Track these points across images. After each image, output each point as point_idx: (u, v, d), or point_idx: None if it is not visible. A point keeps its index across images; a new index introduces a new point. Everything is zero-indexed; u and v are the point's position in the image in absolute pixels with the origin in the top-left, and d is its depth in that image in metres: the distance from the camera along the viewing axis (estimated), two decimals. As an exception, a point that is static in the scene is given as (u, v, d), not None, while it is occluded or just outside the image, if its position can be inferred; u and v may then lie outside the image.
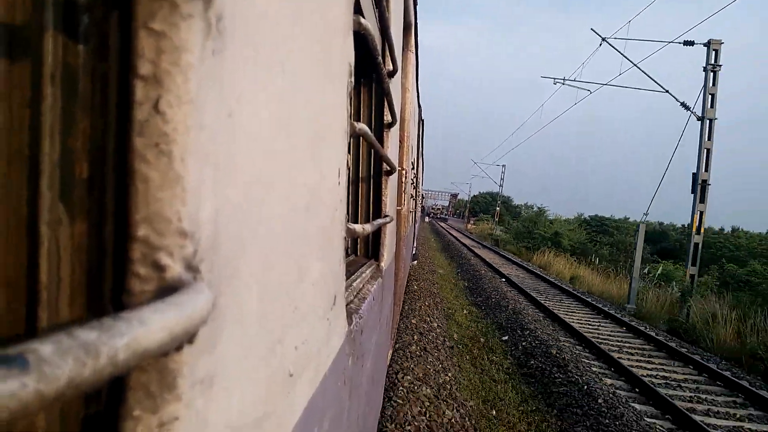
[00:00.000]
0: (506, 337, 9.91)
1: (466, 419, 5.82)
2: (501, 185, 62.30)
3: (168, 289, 0.42)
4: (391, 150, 2.70)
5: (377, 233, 2.54)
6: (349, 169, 1.38)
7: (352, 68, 1.23)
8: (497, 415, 6.28)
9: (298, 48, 0.78)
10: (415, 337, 8.29)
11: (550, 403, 6.83)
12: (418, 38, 4.91)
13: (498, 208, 63.49)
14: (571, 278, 21.95)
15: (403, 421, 5.10)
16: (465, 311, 12.05)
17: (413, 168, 7.64)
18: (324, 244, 1.03)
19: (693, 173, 14.29)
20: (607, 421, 6.04)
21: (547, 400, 6.95)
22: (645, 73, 15.24)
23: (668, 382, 8.15)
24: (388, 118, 2.51)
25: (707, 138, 14.04)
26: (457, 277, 18.16)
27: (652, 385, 7.49)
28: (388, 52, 2.26)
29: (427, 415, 5.46)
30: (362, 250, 2.58)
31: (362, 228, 1.51)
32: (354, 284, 1.74)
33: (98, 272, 0.44)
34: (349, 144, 1.31)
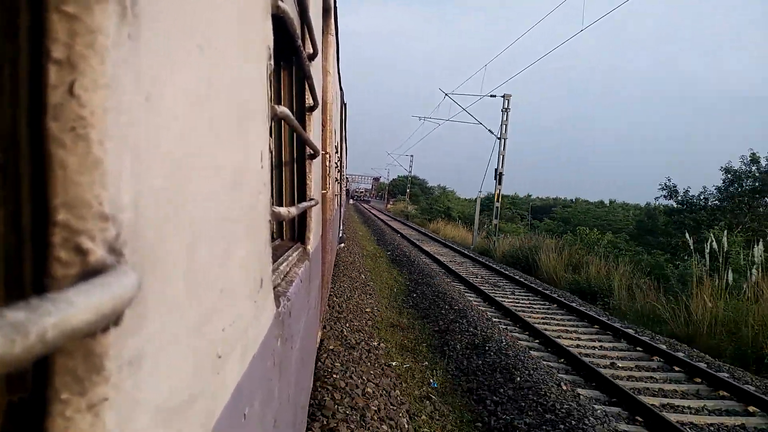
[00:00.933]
0: (389, 253, 20.78)
1: (371, 272, 15.49)
2: (410, 171, 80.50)
3: (91, 273, 0.43)
4: (313, 134, 2.69)
5: (303, 217, 2.54)
6: (271, 152, 1.37)
7: (272, 51, 1.22)
8: (380, 274, 15.54)
9: (216, 31, 0.77)
10: (349, 257, 16.80)
11: (402, 269, 16.75)
12: (338, 22, 4.89)
13: (408, 190, 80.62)
14: (446, 235, 33.93)
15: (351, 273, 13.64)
16: (371, 248, 22.36)
17: (337, 152, 7.63)
18: (249, 227, 1.03)
19: (495, 168, 25.20)
20: (420, 268, 15.98)
21: (399, 269, 16.82)
22: (468, 113, 26.80)
23: (467, 269, 17.43)
24: (309, 101, 2.50)
25: (502, 148, 25.10)
26: (371, 237, 28.13)
27: (457, 271, 16.21)
28: (308, 36, 2.25)
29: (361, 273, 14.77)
30: (288, 234, 2.58)
31: (287, 211, 1.52)
32: (281, 267, 1.75)
33: (17, 258, 0.44)
34: (271, 128, 1.30)
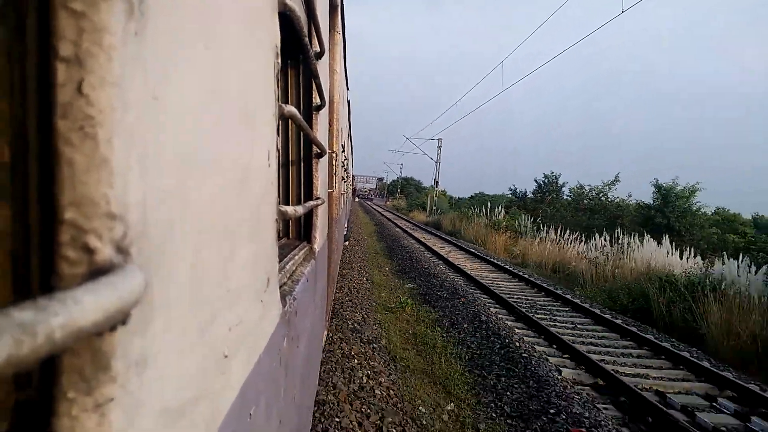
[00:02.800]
0: (376, 226, 31.64)
1: (363, 229, 29.28)
2: (400, 174, 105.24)
3: (98, 272, 0.42)
4: (320, 133, 2.69)
5: (309, 216, 2.54)
6: (279, 151, 1.37)
7: (279, 49, 1.22)
8: (368, 229, 30.24)
9: (223, 29, 0.77)
10: (355, 226, 26.09)
11: (381, 231, 28.62)
12: (345, 19, 4.88)
13: (398, 190, 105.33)
14: (413, 217, 50.37)
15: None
16: (370, 228, 30.87)
17: (343, 151, 7.62)
18: (256, 226, 1.03)
19: (434, 179, 51.55)
20: (389, 230, 28.98)
21: (379, 231, 28.56)
22: (420, 149, 47.57)
23: (413, 230, 31.09)
24: (316, 100, 2.50)
25: (438, 171, 47.35)
26: (370, 222, 37.73)
27: (406, 229, 30.57)
28: (314, 34, 2.25)
29: (360, 228, 28.16)
30: (294, 233, 2.58)
31: (294, 210, 1.52)
32: (287, 266, 1.75)
33: (24, 257, 0.43)
34: (278, 127, 1.30)
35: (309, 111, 2.47)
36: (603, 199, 33.21)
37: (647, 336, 8.44)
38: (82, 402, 0.43)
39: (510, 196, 46.41)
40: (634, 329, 8.85)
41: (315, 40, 2.33)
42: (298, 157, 2.50)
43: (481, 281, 12.48)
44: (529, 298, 11.48)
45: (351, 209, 26.77)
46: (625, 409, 5.67)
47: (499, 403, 5.77)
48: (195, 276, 0.67)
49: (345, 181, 10.17)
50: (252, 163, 0.99)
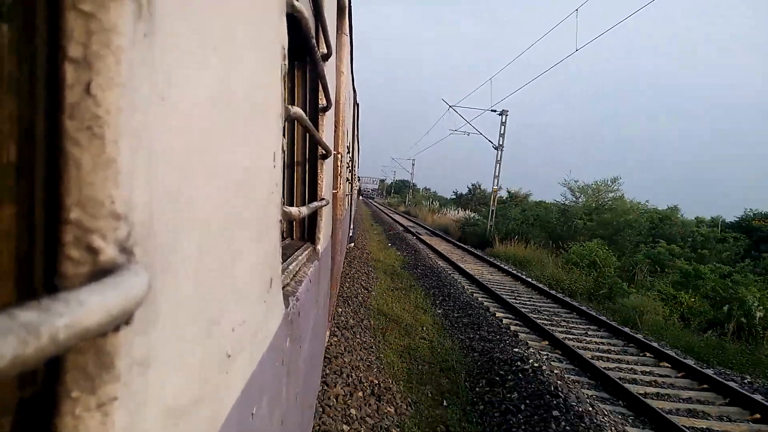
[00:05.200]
0: (372, 216, 44.57)
1: (364, 216, 42.93)
2: (393, 179, 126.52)
3: (102, 272, 0.43)
4: (326, 134, 2.70)
5: (313, 216, 2.54)
6: (284, 152, 1.37)
7: (286, 51, 1.22)
8: (367, 217, 42.97)
9: (230, 31, 0.77)
10: (360, 215, 36.14)
11: (375, 218, 43.17)
12: (353, 21, 4.89)
13: (392, 190, 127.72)
14: (398, 210, 68.50)
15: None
16: (368, 220, 37.32)
17: (349, 152, 7.62)
18: (260, 227, 1.03)
19: (410, 188, 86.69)
20: (381, 217, 45.25)
21: (374, 217, 44.13)
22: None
23: (397, 216, 49.52)
24: (322, 101, 2.51)
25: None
26: (370, 216, 44.47)
27: (393, 217, 46.44)
28: (322, 35, 2.25)
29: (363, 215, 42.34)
30: (298, 234, 2.58)
31: (298, 211, 1.52)
32: (290, 267, 1.75)
33: (29, 257, 0.44)
34: (284, 128, 1.30)
35: (315, 112, 2.47)
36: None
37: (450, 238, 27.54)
38: (85, 401, 0.43)
39: (453, 197, 68.71)
40: (453, 240, 27.08)
41: (322, 42, 2.33)
42: (304, 158, 2.50)
43: (411, 228, 32.20)
44: (429, 232, 31.83)
45: (356, 209, 27.60)
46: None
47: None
48: (199, 276, 0.67)
49: (350, 183, 10.17)
50: (257, 164, 0.99)
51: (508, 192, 45.38)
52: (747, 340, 10.24)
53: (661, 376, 7.51)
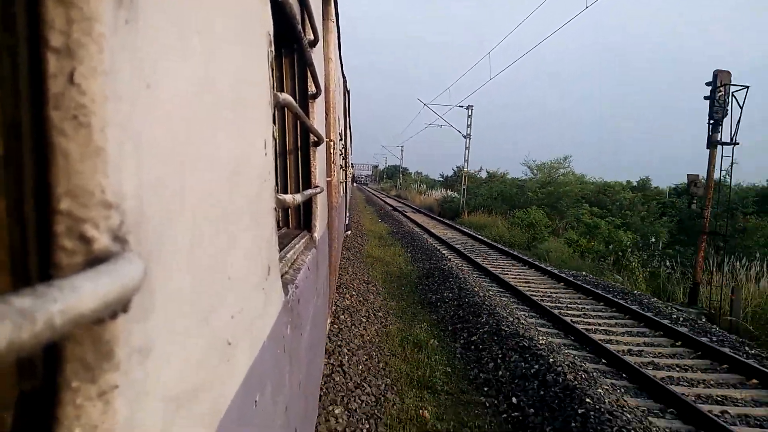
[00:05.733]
0: (365, 199, 50.80)
1: (358, 199, 48.93)
2: (386, 164, 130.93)
3: (96, 261, 0.42)
4: (317, 121, 2.68)
5: (308, 204, 2.54)
6: (275, 140, 1.36)
7: (272, 37, 1.21)
8: (361, 200, 49.10)
9: (214, 17, 0.77)
10: (355, 200, 40.22)
11: (368, 202, 47.93)
12: (338, 7, 4.84)
13: (384, 176, 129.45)
14: (389, 193, 74.18)
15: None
16: (362, 204, 41.94)
17: (341, 139, 7.59)
18: (254, 215, 1.03)
19: (400, 171, 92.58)
20: (373, 200, 53.24)
21: (367, 201, 49.69)
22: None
23: (386, 197, 61.16)
24: (312, 88, 2.49)
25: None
26: (364, 200, 47.80)
27: (381, 197, 60.99)
28: (308, 21, 2.23)
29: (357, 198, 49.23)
30: (294, 222, 2.58)
31: (292, 198, 1.52)
32: (288, 255, 1.75)
33: (21, 248, 0.44)
34: (275, 115, 1.29)
35: (305, 99, 2.46)
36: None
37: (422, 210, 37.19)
38: (86, 391, 0.43)
39: (441, 179, 70.75)
40: (433, 215, 33.46)
41: (308, 28, 2.31)
42: (296, 146, 2.49)
43: (399, 208, 36.13)
44: (414, 210, 37.84)
45: (351, 196, 28.48)
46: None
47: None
48: (195, 264, 0.67)
49: (344, 170, 10.15)
50: (248, 152, 0.99)
51: (487, 172, 50.24)
52: (621, 264, 15.02)
53: (536, 277, 12.96)
